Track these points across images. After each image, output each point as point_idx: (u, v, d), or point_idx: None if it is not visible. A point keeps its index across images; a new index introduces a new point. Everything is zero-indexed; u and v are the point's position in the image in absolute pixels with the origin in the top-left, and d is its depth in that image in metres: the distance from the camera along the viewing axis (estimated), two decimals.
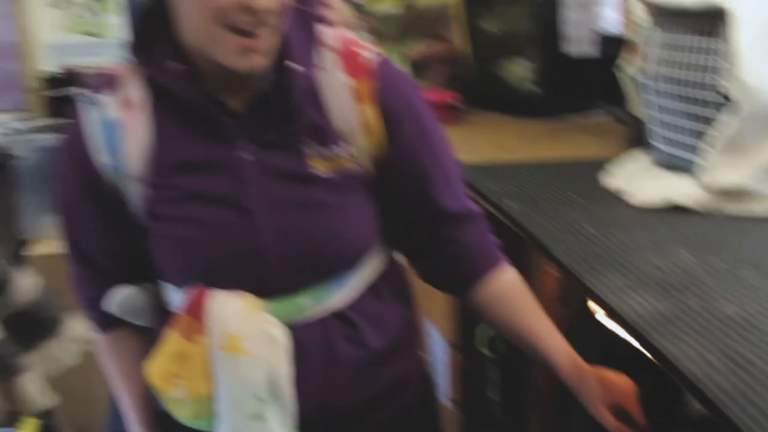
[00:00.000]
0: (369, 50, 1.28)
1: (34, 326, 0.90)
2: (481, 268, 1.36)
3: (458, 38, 3.32)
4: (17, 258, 1.06)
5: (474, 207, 1.37)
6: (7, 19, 3.42)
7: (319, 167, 1.23)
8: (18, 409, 0.85)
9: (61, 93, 3.36)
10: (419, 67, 3.31)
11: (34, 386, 0.88)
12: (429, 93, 3.03)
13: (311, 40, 1.24)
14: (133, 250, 1.30)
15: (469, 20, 3.31)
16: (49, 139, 3.02)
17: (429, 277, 1.42)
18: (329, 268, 1.27)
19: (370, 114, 1.25)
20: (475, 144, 2.66)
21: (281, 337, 1.21)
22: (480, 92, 3.25)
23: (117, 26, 3.42)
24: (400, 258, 1.45)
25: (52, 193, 1.34)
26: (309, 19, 1.24)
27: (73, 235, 1.33)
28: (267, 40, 1.15)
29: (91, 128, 1.24)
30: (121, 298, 1.33)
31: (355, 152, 1.25)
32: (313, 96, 1.23)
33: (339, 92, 1.24)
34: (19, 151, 3.03)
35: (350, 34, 1.31)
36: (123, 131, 1.22)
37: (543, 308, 1.38)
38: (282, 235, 1.22)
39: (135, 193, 1.24)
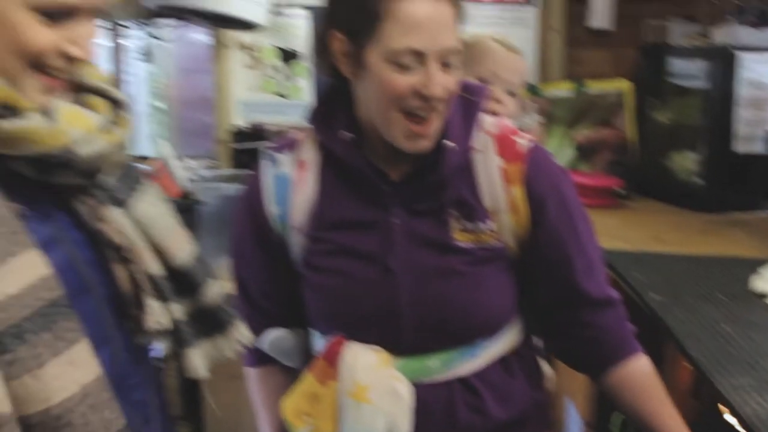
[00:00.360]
0: (523, 137, 1.38)
1: (213, 322, 1.10)
2: (616, 354, 1.39)
3: (627, 126, 3.34)
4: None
5: (614, 293, 1.41)
6: (208, 75, 3.71)
7: (462, 239, 1.33)
8: (185, 375, 1.07)
9: (246, 146, 3.58)
10: (586, 151, 3.35)
11: (198, 360, 1.07)
12: (592, 177, 3.08)
13: (471, 125, 1.34)
14: (290, 296, 1.43)
15: (640, 109, 3.33)
16: (230, 188, 3.23)
17: (565, 357, 1.47)
18: (461, 335, 1.35)
19: (518, 195, 1.34)
20: (631, 232, 2.68)
21: (406, 393, 1.30)
22: (644, 180, 3.25)
23: (303, 89, 3.62)
24: (537, 341, 1.51)
25: (230, 238, 1.50)
26: (473, 107, 1.36)
27: (240, 275, 1.48)
28: (434, 125, 1.28)
29: (267, 181, 1.40)
30: (273, 338, 1.47)
31: (499, 229, 1.34)
32: (466, 174, 1.34)
33: (491, 172, 1.34)
34: (203, 196, 3.25)
35: (510, 123, 1.41)
36: (293, 187, 1.37)
37: (674, 399, 1.40)
38: (418, 298, 1.32)
39: (296, 244, 1.38)
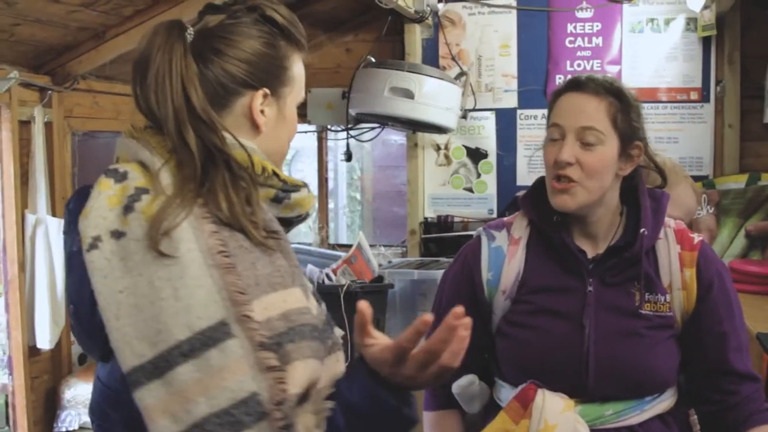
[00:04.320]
0: (695, 234, 1.67)
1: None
2: (753, 419, 1.61)
3: None
4: None
5: (756, 373, 1.65)
6: (402, 171, 4.06)
7: (644, 307, 1.61)
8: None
9: (434, 236, 3.87)
10: (755, 239, 3.46)
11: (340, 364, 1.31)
12: (762, 265, 3.15)
13: (659, 219, 1.65)
14: (480, 350, 1.72)
15: None
16: (415, 273, 3.52)
17: (707, 420, 1.69)
18: (634, 389, 1.60)
19: (690, 276, 1.62)
20: None
21: None
22: None
23: (488, 184, 3.92)
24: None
25: (438, 294, 1.79)
26: (660, 207, 1.66)
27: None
28: (575, 189, 1.59)
29: (484, 253, 1.72)
30: (463, 382, 1.73)
31: (671, 302, 1.62)
32: (651, 256, 1.64)
33: (670, 257, 1.64)
34: (394, 280, 3.54)
35: (683, 225, 1.70)
36: (505, 258, 1.69)
37: None
38: (604, 353, 1.59)
39: (499, 304, 1.69)
